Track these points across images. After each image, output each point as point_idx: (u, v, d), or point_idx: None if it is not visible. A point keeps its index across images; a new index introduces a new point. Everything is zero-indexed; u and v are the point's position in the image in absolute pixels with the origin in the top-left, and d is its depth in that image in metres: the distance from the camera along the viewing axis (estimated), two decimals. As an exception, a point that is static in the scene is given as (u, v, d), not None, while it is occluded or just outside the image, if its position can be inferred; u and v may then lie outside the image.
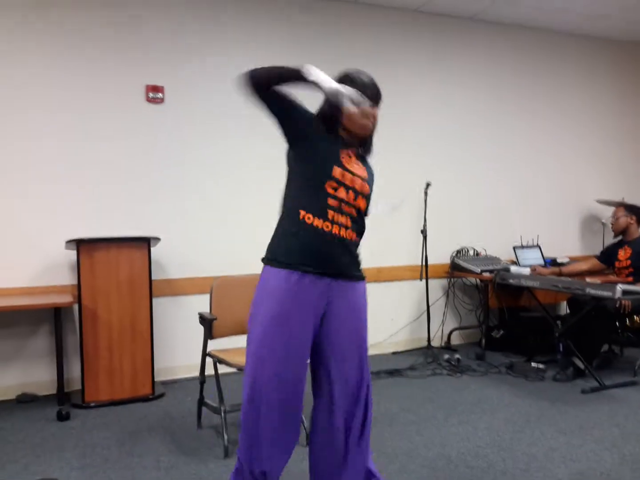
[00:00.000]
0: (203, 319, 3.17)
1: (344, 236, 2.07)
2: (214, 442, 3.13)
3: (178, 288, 4.31)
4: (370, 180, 2.20)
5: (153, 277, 3.93)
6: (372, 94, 2.10)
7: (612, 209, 4.93)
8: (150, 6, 4.25)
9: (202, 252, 4.36)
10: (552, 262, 5.23)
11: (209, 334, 3.17)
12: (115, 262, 3.78)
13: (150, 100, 4.28)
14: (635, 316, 4.34)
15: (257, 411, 2.01)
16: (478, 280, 5.18)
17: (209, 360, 3.14)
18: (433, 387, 4.06)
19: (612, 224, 4.76)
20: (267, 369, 2.01)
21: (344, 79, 2.11)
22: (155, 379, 3.96)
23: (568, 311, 4.77)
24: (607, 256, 4.74)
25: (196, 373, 3.29)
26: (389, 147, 5.01)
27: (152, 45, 4.27)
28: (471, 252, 5.19)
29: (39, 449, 3.07)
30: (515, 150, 5.56)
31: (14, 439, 3.21)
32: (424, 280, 4.89)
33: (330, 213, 2.03)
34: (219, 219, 4.45)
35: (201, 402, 3.29)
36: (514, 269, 4.67)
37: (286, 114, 2.05)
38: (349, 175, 2.07)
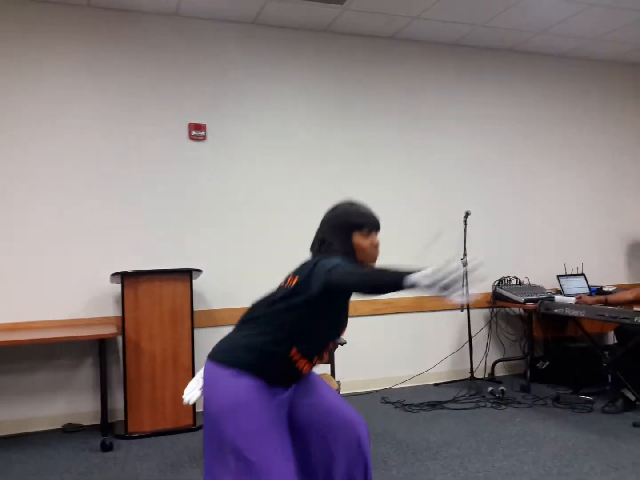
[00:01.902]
0: (243, 350, 3.19)
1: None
2: (255, 473, 3.12)
3: (219, 319, 4.35)
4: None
5: (195, 308, 3.99)
6: (374, 222, 2.11)
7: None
8: (192, 48, 4.42)
9: (243, 283, 4.41)
10: (598, 291, 5.09)
11: (248, 365, 3.18)
12: (158, 294, 3.87)
13: (193, 137, 4.41)
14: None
15: None
16: (521, 310, 5.08)
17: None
18: (477, 419, 3.97)
19: None
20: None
21: (350, 210, 2.10)
22: (197, 410, 3.99)
23: (615, 341, 4.62)
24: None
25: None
26: (428, 177, 5.03)
27: (195, 84, 4.42)
28: (514, 281, 5.10)
29: (84, 479, 3.12)
30: (558, 178, 5.49)
31: (60, 469, 3.27)
32: (465, 311, 4.82)
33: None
34: (259, 251, 4.51)
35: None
36: (558, 298, 4.57)
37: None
38: None
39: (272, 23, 4.57)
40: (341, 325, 2.12)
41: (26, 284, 3.99)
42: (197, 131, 4.42)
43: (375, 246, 2.10)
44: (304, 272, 1.97)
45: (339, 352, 3.39)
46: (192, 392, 2.09)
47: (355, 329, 4.69)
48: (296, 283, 1.98)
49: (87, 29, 4.16)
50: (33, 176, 4.05)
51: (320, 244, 2.09)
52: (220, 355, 2.04)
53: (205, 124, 4.44)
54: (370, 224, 2.10)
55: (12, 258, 3.98)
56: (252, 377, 1.94)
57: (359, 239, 2.06)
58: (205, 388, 2.01)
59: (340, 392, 3.17)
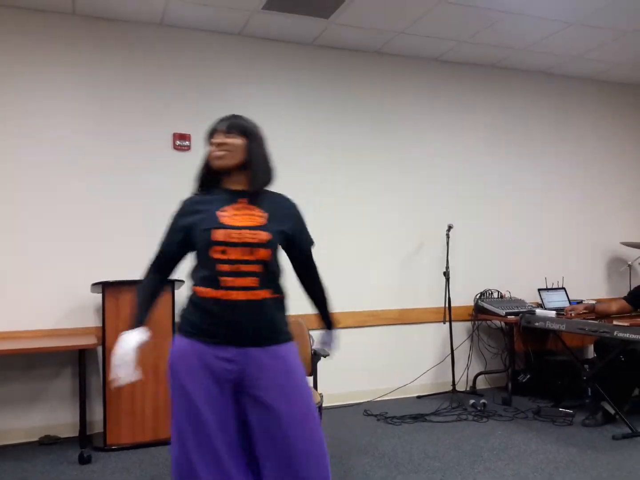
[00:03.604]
0: (225, 361, 3.17)
1: (250, 299, 1.91)
2: (235, 487, 3.08)
3: (201, 330, 4.33)
4: (267, 225, 1.97)
5: (176, 319, 3.95)
6: (218, 123, 2.06)
7: (637, 251, 4.87)
8: (177, 58, 4.42)
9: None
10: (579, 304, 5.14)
11: (230, 376, 3.16)
12: (139, 305, 3.82)
13: (178, 147, 4.39)
14: (666, 360, 4.23)
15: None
16: (503, 323, 5.11)
17: (230, 402, 3.13)
18: (458, 432, 3.97)
19: None
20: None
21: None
22: (177, 422, 3.94)
23: (595, 355, 4.67)
24: (637, 298, 4.63)
25: (218, 416, 3.27)
26: (411, 191, 5.06)
27: (180, 94, 4.42)
28: (495, 295, 5.13)
29: (60, 493, 3.07)
30: (539, 193, 5.56)
31: (36, 482, 3.21)
32: (447, 323, 4.84)
33: (227, 279, 1.90)
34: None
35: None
36: (539, 311, 4.61)
37: (188, 246, 2.08)
38: (233, 232, 1.92)
39: (257, 35, 4.59)
40: (218, 249, 1.93)
41: (4, 293, 3.93)
42: (181, 141, 4.41)
43: (215, 144, 2.03)
44: None
45: (322, 365, 3.38)
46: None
47: (341, 341, 4.70)
48: None
49: (71, 38, 4.14)
50: (12, 185, 4.00)
51: None
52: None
53: (189, 134, 4.43)
54: (214, 125, 2.07)
55: (-10, 267, 3.92)
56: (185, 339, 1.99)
57: (208, 147, 2.07)
58: None
59: (323, 405, 3.15)
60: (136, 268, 4.18)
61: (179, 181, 4.39)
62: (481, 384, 5.21)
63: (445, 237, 4.86)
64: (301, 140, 4.75)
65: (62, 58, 4.13)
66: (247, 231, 1.92)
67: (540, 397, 4.77)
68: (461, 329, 5.17)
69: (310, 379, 3.35)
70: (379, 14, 4.24)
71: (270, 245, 1.95)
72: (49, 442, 3.85)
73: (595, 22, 4.43)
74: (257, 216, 1.98)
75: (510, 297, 5.15)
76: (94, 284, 3.78)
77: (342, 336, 4.62)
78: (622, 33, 4.64)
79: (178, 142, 4.39)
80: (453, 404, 4.60)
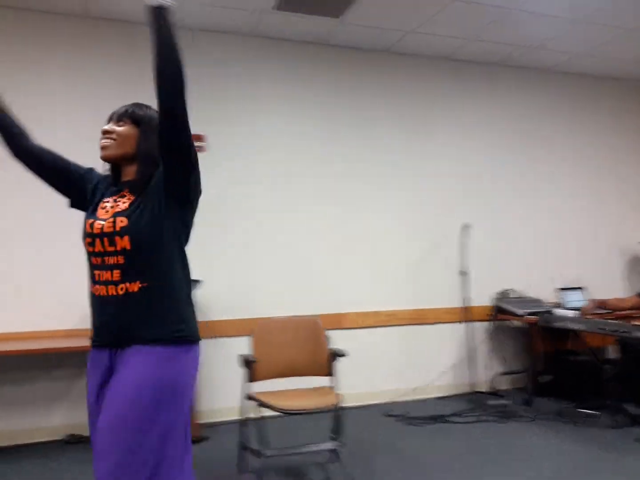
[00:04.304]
0: (244, 361, 3.19)
1: (113, 294, 1.74)
2: (256, 486, 3.10)
3: (219, 330, 4.36)
4: (127, 211, 1.78)
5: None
6: (116, 110, 1.96)
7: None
8: (191, 59, 4.43)
9: (243, 294, 4.42)
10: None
11: (250, 377, 3.18)
12: (159, 306, 3.85)
13: (194, 148, 4.42)
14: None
15: None
16: (522, 323, 5.08)
17: (250, 403, 3.15)
18: (479, 434, 3.95)
19: None
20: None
21: None
22: (200, 421, 3.97)
23: (620, 354, 4.62)
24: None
25: (238, 416, 3.29)
26: (427, 190, 5.05)
27: (194, 95, 4.43)
28: (514, 295, 5.10)
29: (84, 491, 3.10)
30: (558, 192, 5.52)
31: (60, 481, 3.25)
32: (466, 323, 4.81)
33: (96, 273, 1.78)
34: (259, 262, 4.52)
35: (242, 446, 3.28)
36: (558, 311, 4.57)
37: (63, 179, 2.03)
38: (97, 223, 1.79)
39: (270, 35, 4.61)
40: (87, 241, 1.82)
41: (28, 294, 3.99)
42: (196, 142, 4.42)
43: (102, 132, 1.90)
44: None
45: (341, 364, 3.38)
46: None
47: (358, 341, 4.71)
48: None
49: (85, 39, 4.19)
50: (20, 185, 4.05)
51: None
52: None
53: (204, 135, 4.46)
54: (112, 112, 1.95)
55: (10, 266, 3.98)
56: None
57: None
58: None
59: (343, 405, 3.15)
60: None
61: (198, 183, 4.43)
62: (501, 385, 5.18)
63: (463, 236, 4.84)
64: (313, 140, 4.76)
65: (66, 58, 4.17)
66: (109, 220, 1.77)
67: (561, 397, 4.72)
68: (481, 328, 5.14)
69: (329, 380, 3.36)
70: (390, 13, 4.24)
71: (128, 232, 1.74)
72: (74, 441, 3.90)
73: (600, 19, 4.40)
74: (121, 202, 1.82)
75: (529, 297, 5.11)
76: (115, 286, 3.82)
77: (361, 336, 4.65)
78: (632, 30, 4.59)
79: (195, 143, 4.41)
80: (473, 404, 4.58)
